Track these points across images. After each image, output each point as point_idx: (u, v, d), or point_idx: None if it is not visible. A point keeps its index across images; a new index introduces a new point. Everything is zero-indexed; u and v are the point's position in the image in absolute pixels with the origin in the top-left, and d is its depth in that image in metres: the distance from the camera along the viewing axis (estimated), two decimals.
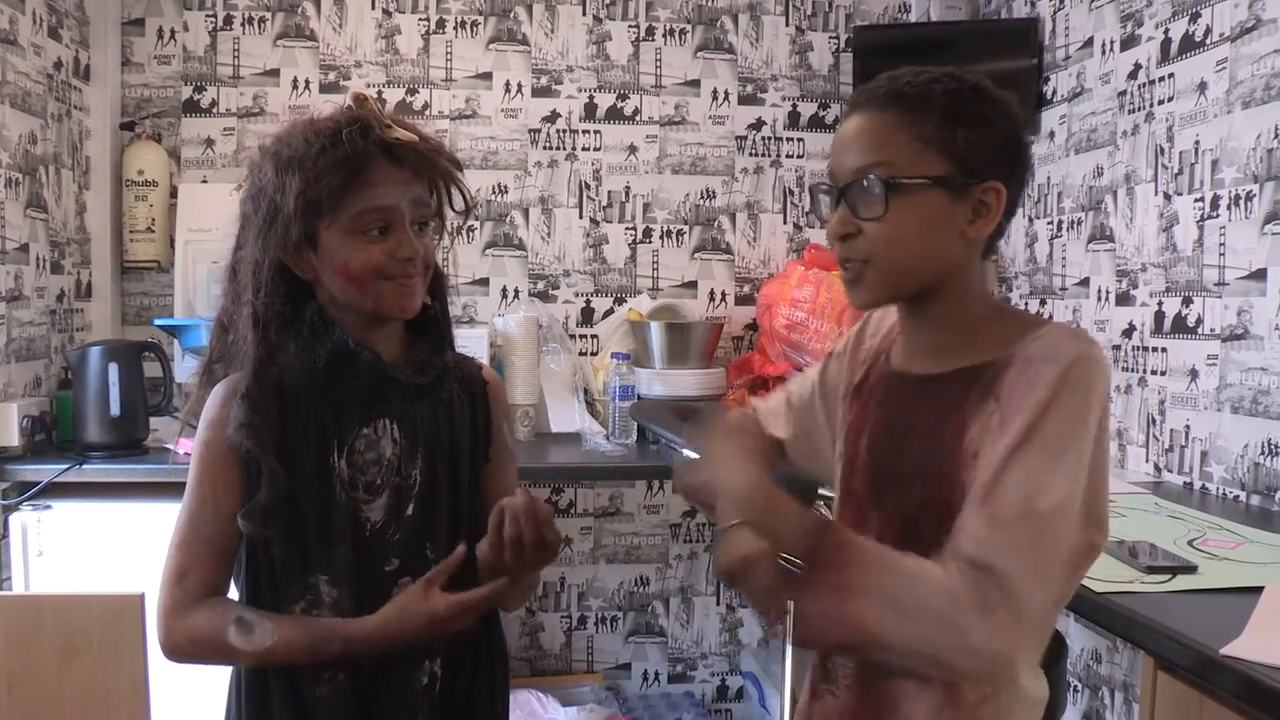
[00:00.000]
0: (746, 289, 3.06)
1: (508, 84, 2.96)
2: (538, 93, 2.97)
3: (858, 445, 1.12)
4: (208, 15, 2.86)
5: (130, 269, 2.81)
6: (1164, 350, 2.07)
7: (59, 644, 1.59)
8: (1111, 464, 2.20)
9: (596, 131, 3.00)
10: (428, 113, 2.92)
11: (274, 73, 2.88)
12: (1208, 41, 1.94)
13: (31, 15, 2.42)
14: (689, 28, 3.02)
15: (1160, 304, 2.08)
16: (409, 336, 1.26)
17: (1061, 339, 0.98)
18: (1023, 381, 0.97)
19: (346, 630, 1.15)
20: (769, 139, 3.06)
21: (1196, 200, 1.97)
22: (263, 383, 1.17)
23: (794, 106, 3.06)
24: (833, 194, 1.05)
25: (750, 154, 3.05)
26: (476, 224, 2.95)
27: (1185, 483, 2.00)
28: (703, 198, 3.04)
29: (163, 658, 1.18)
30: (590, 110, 2.99)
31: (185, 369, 2.59)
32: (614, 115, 3.00)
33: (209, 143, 2.87)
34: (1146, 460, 2.12)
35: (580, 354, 2.97)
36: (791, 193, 3.05)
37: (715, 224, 3.05)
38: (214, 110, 2.87)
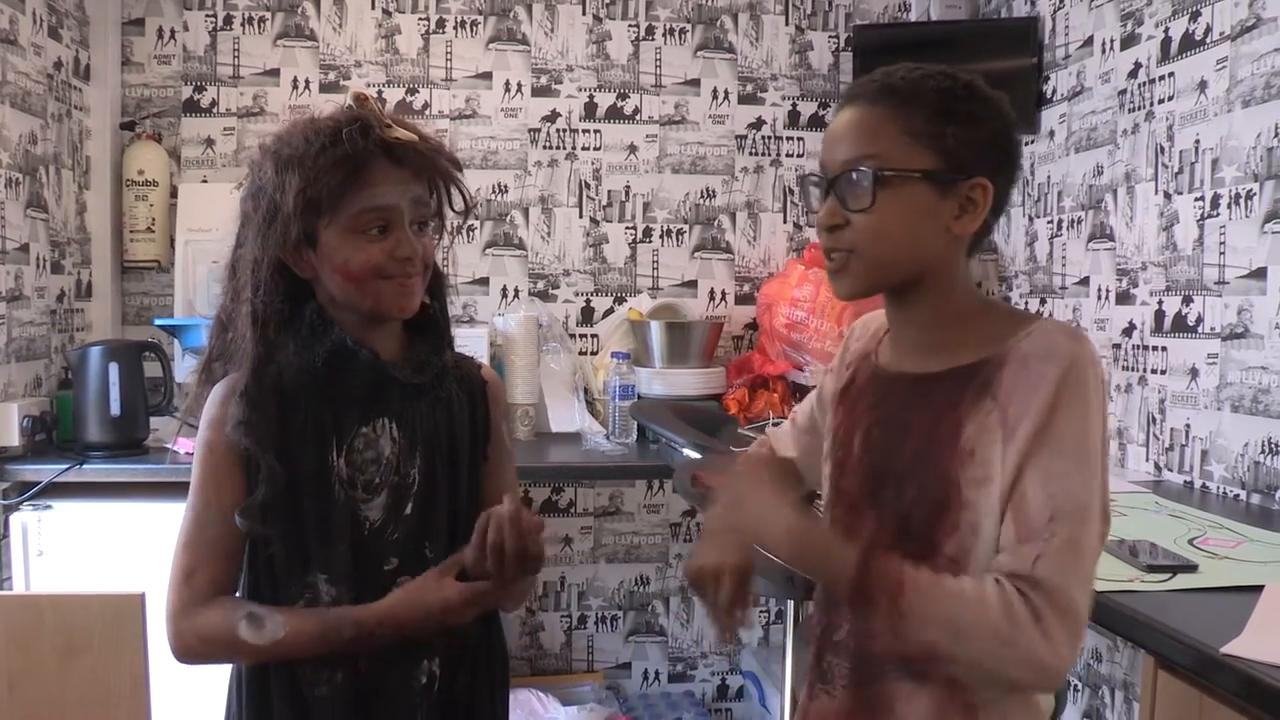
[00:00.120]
0: (746, 288, 3.06)
1: (507, 83, 2.96)
2: (537, 92, 2.97)
3: (849, 445, 1.12)
4: (208, 15, 2.86)
5: (130, 269, 2.81)
6: (1164, 349, 2.07)
7: (59, 644, 1.59)
8: (1112, 462, 2.21)
9: (596, 131, 3.00)
10: (428, 112, 2.92)
11: (274, 72, 2.88)
12: (1208, 40, 1.94)
13: (31, 15, 2.42)
14: (689, 27, 3.02)
15: (1160, 303, 2.08)
16: (408, 336, 1.26)
17: (1056, 336, 0.99)
18: (1021, 381, 0.98)
19: (357, 614, 1.15)
20: (769, 138, 3.06)
21: (1197, 199, 1.97)
22: (261, 381, 1.17)
23: (794, 106, 3.06)
24: (822, 186, 1.06)
25: (750, 153, 3.05)
26: (476, 223, 2.95)
27: (1185, 482, 2.00)
28: (703, 197, 3.04)
29: (168, 658, 1.18)
30: (590, 110, 2.99)
31: (185, 369, 2.58)
32: (614, 115, 3.00)
33: (209, 142, 2.87)
34: (1147, 459, 2.12)
35: (580, 353, 2.97)
36: (791, 192, 3.05)
37: (715, 223, 3.05)
38: (214, 110, 2.87)
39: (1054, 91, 2.52)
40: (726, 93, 3.04)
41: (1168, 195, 2.06)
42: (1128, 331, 2.19)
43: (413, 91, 2.93)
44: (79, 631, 1.59)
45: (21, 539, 2.18)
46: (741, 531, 1.01)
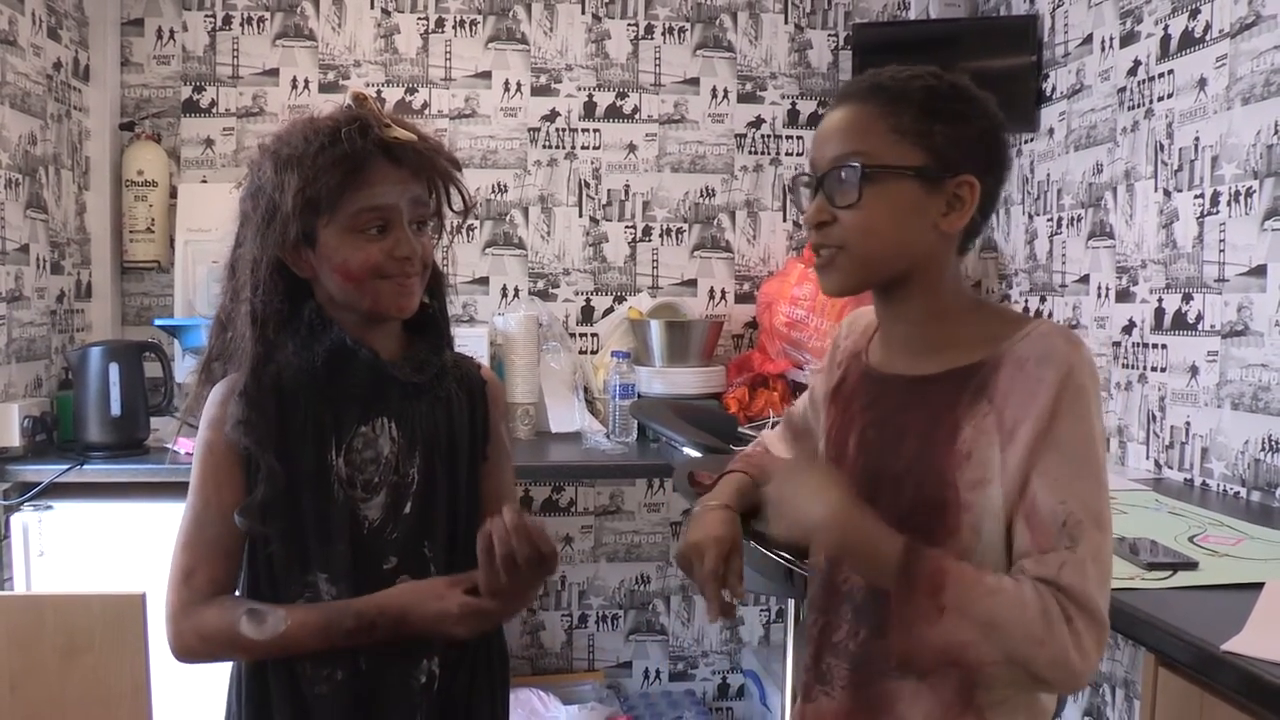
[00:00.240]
0: (746, 287, 3.06)
1: (507, 83, 2.96)
2: (537, 91, 2.97)
3: (844, 447, 1.12)
4: (207, 15, 2.86)
5: (130, 269, 2.81)
6: (1164, 347, 2.07)
7: (60, 644, 1.59)
8: (1112, 460, 2.21)
9: (596, 130, 3.00)
10: (427, 112, 2.92)
11: (273, 72, 2.88)
12: (1207, 38, 1.94)
13: (31, 16, 2.42)
14: (688, 26, 3.02)
15: (1160, 300, 2.08)
16: (408, 335, 1.26)
17: (1053, 339, 1.00)
18: (1018, 384, 0.98)
19: (358, 605, 1.15)
20: (768, 137, 3.06)
21: (1196, 197, 1.97)
22: (260, 380, 1.17)
23: (793, 104, 3.06)
24: (812, 184, 1.07)
25: (750, 152, 3.05)
26: (476, 223, 2.95)
27: (1186, 479, 2.00)
28: (702, 196, 3.04)
29: (169, 658, 1.18)
30: (589, 109, 2.99)
31: (186, 369, 2.58)
32: (613, 114, 3.00)
33: (208, 143, 2.87)
34: (1147, 457, 2.12)
35: (580, 352, 2.97)
36: (791, 191, 3.05)
37: (715, 222, 3.05)
38: (213, 110, 2.87)
39: (1053, 89, 2.52)
40: (726, 91, 3.03)
41: (1167, 193, 2.06)
42: (1128, 329, 2.19)
43: (412, 91, 2.93)
44: (80, 632, 1.59)
45: (22, 539, 2.19)
46: (795, 501, 1.00)
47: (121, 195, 2.75)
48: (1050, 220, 2.53)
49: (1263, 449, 1.79)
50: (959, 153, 1.02)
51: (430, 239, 1.23)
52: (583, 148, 2.99)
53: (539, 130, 2.98)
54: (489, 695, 1.28)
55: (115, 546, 2.18)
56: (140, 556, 2.01)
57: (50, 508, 2.22)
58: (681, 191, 3.03)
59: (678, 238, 3.04)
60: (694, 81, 3.02)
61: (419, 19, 2.92)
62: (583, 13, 2.98)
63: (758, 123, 3.05)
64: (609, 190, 3.01)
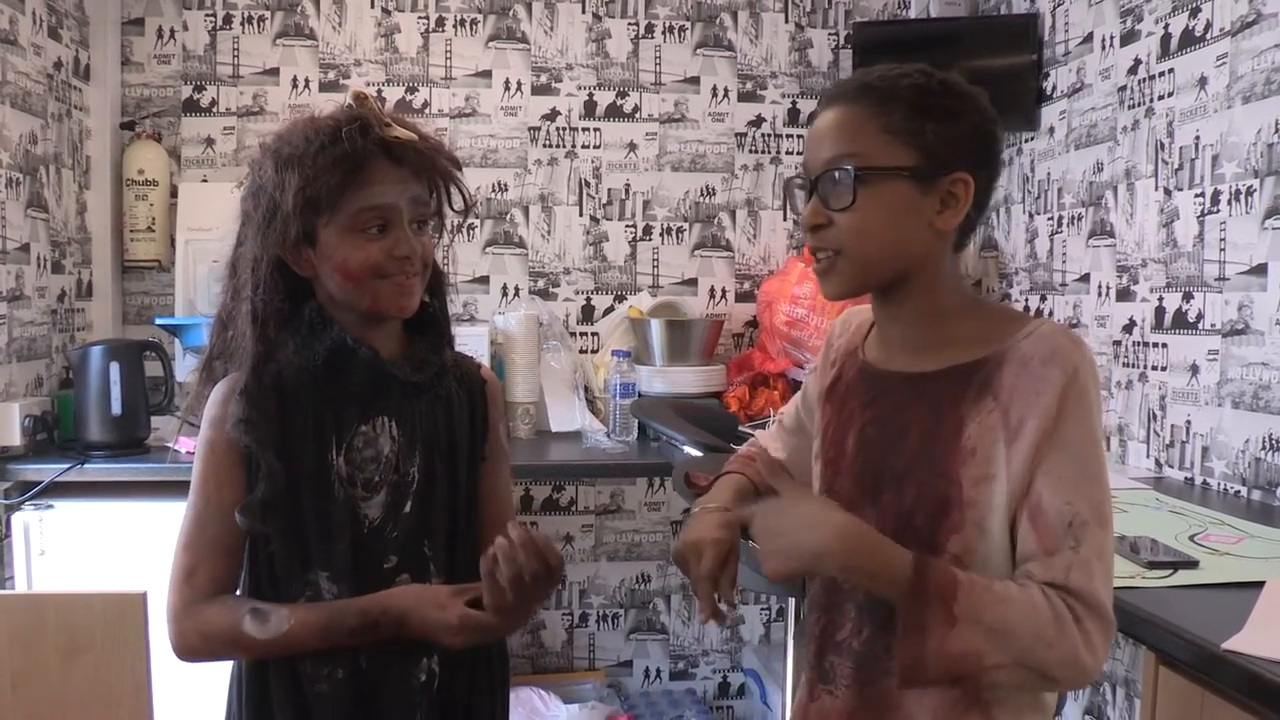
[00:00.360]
0: (747, 286, 3.06)
1: (507, 82, 2.96)
2: (537, 90, 2.97)
3: (843, 445, 1.12)
4: (207, 15, 2.86)
5: (131, 268, 2.81)
6: (1165, 345, 2.07)
7: (62, 643, 1.59)
8: (1112, 459, 2.21)
9: (596, 129, 3.00)
10: (427, 111, 2.92)
11: (274, 72, 2.88)
12: (1208, 36, 1.94)
13: (31, 15, 2.42)
14: (688, 25, 3.02)
15: (1161, 299, 2.08)
16: (408, 335, 1.27)
17: (1058, 338, 1.00)
18: (1022, 382, 0.99)
19: (362, 603, 1.15)
20: (769, 136, 3.06)
21: (1197, 195, 1.97)
22: (261, 379, 1.17)
23: (793, 103, 3.06)
24: (806, 187, 1.07)
25: (750, 151, 3.05)
26: (476, 222, 2.95)
27: (1186, 478, 2.00)
28: (703, 195, 3.04)
29: (170, 657, 1.19)
30: (590, 108, 2.99)
31: (186, 368, 2.58)
32: (613, 113, 3.00)
33: (209, 142, 2.87)
34: (1147, 456, 2.12)
35: (581, 352, 2.97)
36: (786, 193, 3.05)
37: (715, 221, 3.05)
38: (214, 109, 2.87)
39: (1054, 88, 2.52)
40: (726, 90, 3.03)
41: (1168, 191, 2.06)
42: (1128, 328, 2.19)
43: (412, 90, 2.93)
44: (81, 631, 1.59)
45: (23, 538, 2.19)
46: (791, 535, 0.98)
47: (122, 194, 2.75)
48: (1051, 219, 2.53)
49: (1263, 448, 1.79)
50: (951, 150, 1.02)
51: (431, 238, 1.23)
52: (583, 147, 2.99)
53: (539, 129, 2.98)
54: (489, 694, 1.29)
55: (116, 545, 2.18)
56: (141, 556, 2.02)
57: (51, 507, 2.22)
58: (682, 190, 3.03)
59: (678, 237, 3.04)
60: (694, 80, 3.02)
61: (419, 18, 2.92)
62: (583, 12, 2.98)
63: (758, 122, 3.05)
64: (609, 189, 3.01)
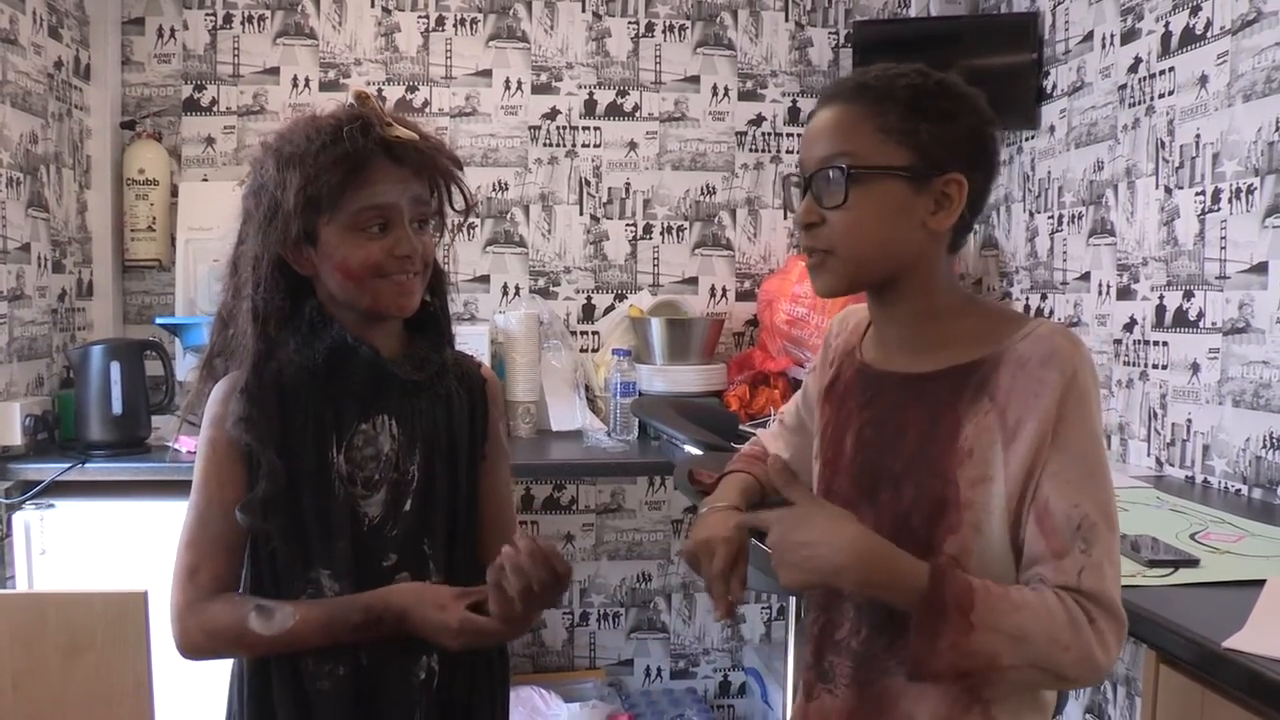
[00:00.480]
0: (747, 285, 3.06)
1: (507, 81, 2.96)
2: (537, 90, 2.97)
3: (841, 445, 1.12)
4: (207, 14, 2.85)
5: (131, 268, 2.81)
6: (1165, 344, 2.07)
7: (62, 642, 1.59)
8: (1113, 458, 2.21)
9: (596, 128, 3.00)
10: (427, 110, 2.92)
11: (274, 71, 2.88)
12: (1208, 35, 1.94)
13: (32, 15, 2.42)
14: (688, 24, 3.01)
15: (1161, 298, 2.08)
16: (408, 333, 1.27)
17: (1054, 339, 1.00)
18: (1020, 383, 0.99)
19: (365, 599, 1.15)
20: (769, 134, 3.05)
21: (1197, 194, 1.97)
22: (262, 377, 1.17)
23: (794, 102, 3.06)
24: (801, 185, 1.07)
25: (750, 150, 3.05)
26: (477, 221, 2.95)
27: (1187, 476, 2.00)
28: (703, 194, 3.04)
29: (171, 656, 1.19)
30: (590, 107, 2.99)
31: (187, 367, 2.59)
32: (614, 112, 3.00)
33: (209, 141, 2.87)
34: (1148, 454, 2.12)
35: (581, 350, 2.97)
36: (784, 191, 3.05)
37: (716, 220, 3.05)
38: (214, 109, 2.87)
39: (1054, 87, 2.51)
40: (726, 89, 3.03)
41: (1168, 190, 2.06)
42: (1129, 327, 2.19)
43: (412, 89, 2.93)
44: (82, 630, 1.59)
45: (24, 538, 2.19)
46: (808, 549, 0.98)
47: (122, 194, 2.75)
48: (1051, 218, 2.52)
49: (1264, 446, 1.79)
50: (946, 151, 1.01)
51: (431, 237, 1.23)
52: (583, 146, 2.99)
53: (540, 128, 2.98)
54: (489, 693, 1.29)
55: (117, 545, 2.18)
56: (142, 555, 2.02)
57: (52, 506, 2.22)
58: (682, 189, 3.03)
59: (678, 235, 3.04)
60: (694, 79, 3.02)
61: (419, 17, 2.92)
62: (583, 11, 2.98)
63: (758, 120, 3.05)
64: (610, 188, 3.01)
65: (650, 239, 3.04)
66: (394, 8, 2.91)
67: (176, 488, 1.99)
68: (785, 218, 3.06)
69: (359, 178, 1.14)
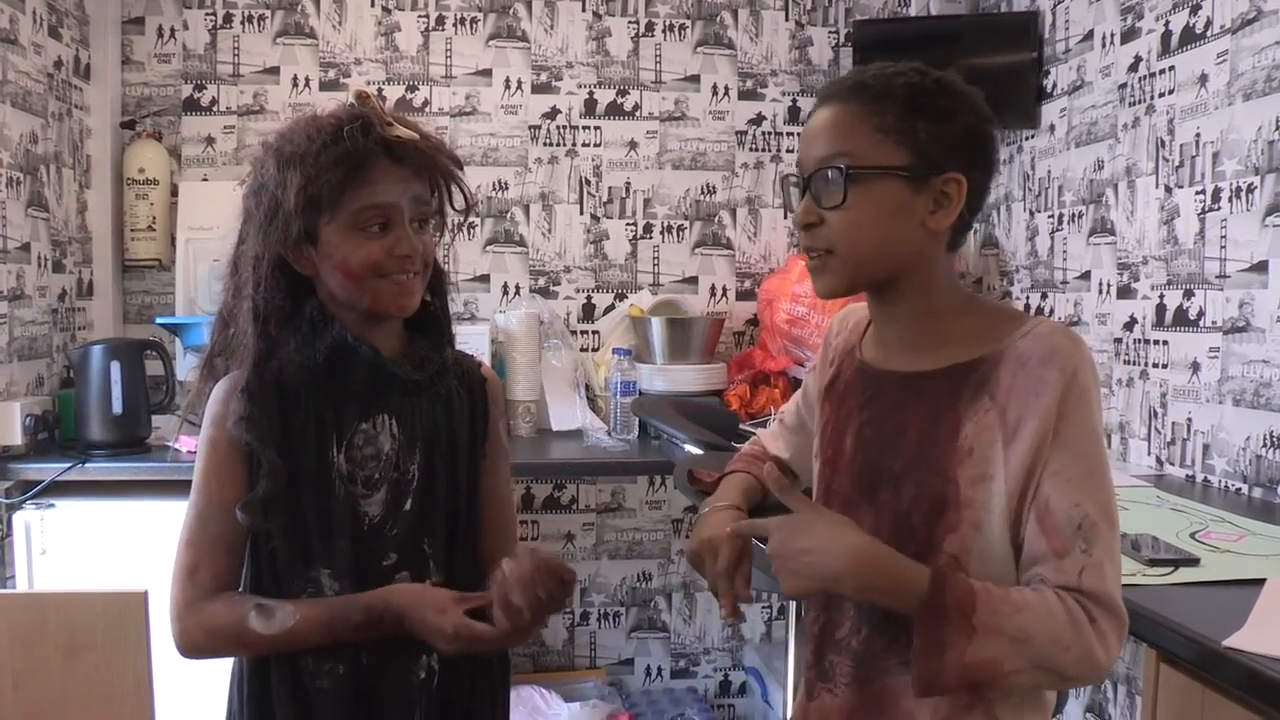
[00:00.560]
0: (747, 284, 3.06)
1: (508, 80, 2.96)
2: (538, 89, 2.97)
3: (841, 444, 1.12)
4: (207, 13, 2.85)
5: (131, 267, 2.81)
6: (1165, 343, 2.07)
7: (63, 642, 1.59)
8: (1113, 457, 2.21)
9: (597, 127, 3.00)
10: (428, 110, 2.92)
11: (274, 70, 2.88)
12: (1208, 34, 1.94)
13: (32, 14, 2.42)
14: (688, 23, 3.01)
15: (1162, 297, 2.08)
16: (409, 333, 1.27)
17: (1055, 338, 1.00)
18: (1020, 382, 0.98)
19: (366, 598, 1.15)
20: (769, 134, 3.05)
21: (1198, 193, 1.97)
22: (262, 377, 1.17)
23: (794, 101, 3.06)
24: (799, 185, 1.07)
25: (750, 149, 3.05)
26: (477, 220, 2.95)
27: (1187, 475, 2.00)
28: (703, 193, 3.04)
29: (171, 655, 1.19)
30: (590, 106, 2.99)
31: (187, 367, 2.59)
32: (614, 111, 3.00)
33: (209, 141, 2.87)
34: (1148, 453, 2.12)
35: (581, 350, 2.97)
36: (782, 191, 3.04)
37: (716, 219, 3.05)
38: (214, 108, 2.87)
39: (1054, 86, 2.51)
40: (726, 89, 3.03)
41: (1168, 189, 2.06)
42: (1129, 326, 2.19)
43: (413, 89, 2.93)
44: (82, 630, 1.59)
45: (25, 538, 2.19)
46: (808, 556, 0.98)
47: (123, 193, 2.75)
48: (1051, 217, 2.52)
49: (1264, 445, 1.79)
50: (944, 150, 1.01)
51: (432, 237, 1.23)
52: (583, 145, 2.99)
53: (540, 128, 2.98)
54: (489, 692, 1.29)
55: (117, 544, 2.18)
56: (142, 554, 2.02)
57: (52, 506, 2.22)
58: (682, 189, 3.03)
59: (679, 235, 3.04)
60: (694, 79, 3.02)
61: (419, 17, 2.92)
62: (583, 10, 2.98)
63: (759, 120, 3.05)
64: (610, 187, 3.01)
65: (650, 238, 3.04)
66: (394, 7, 2.91)
67: (177, 487, 1.99)
68: (785, 217, 3.06)
69: (359, 177, 1.14)
